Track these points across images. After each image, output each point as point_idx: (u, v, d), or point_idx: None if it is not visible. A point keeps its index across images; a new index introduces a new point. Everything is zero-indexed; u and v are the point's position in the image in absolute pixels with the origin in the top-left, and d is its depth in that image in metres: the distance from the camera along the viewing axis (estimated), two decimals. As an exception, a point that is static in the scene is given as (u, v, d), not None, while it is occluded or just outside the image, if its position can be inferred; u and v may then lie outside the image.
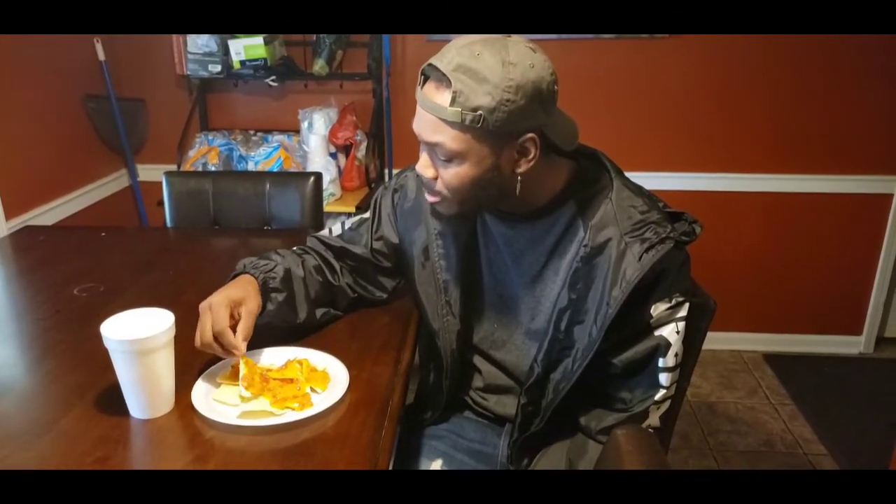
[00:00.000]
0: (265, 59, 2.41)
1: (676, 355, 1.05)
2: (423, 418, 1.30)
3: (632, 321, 1.03)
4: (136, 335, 0.96)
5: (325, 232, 1.32)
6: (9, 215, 2.06)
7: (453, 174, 1.01)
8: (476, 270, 1.19)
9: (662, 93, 2.54)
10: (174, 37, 2.52)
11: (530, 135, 0.98)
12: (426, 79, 0.99)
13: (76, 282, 1.45)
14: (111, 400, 1.02)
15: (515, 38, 0.98)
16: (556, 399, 1.10)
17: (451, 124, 0.96)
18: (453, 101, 0.94)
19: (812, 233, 2.67)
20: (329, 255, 1.28)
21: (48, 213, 2.25)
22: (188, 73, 2.50)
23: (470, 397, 1.28)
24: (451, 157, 0.99)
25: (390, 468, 0.98)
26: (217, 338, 1.05)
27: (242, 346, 1.07)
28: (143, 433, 0.99)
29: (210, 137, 2.59)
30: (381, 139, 2.60)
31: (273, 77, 2.46)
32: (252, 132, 2.65)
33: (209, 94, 2.70)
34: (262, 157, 2.50)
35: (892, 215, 2.61)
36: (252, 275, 1.16)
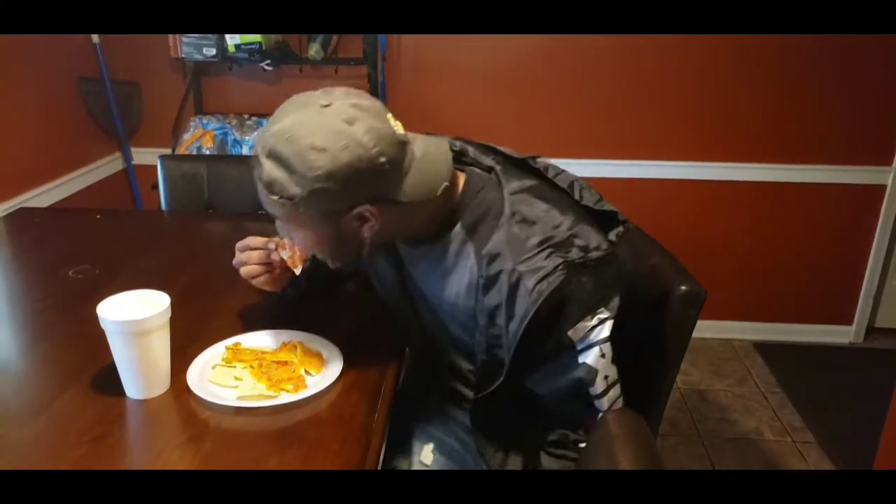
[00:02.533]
0: (260, 44, 2.40)
1: (606, 378, 0.99)
2: (415, 402, 1.31)
3: (549, 350, 0.99)
4: (133, 316, 0.97)
5: None
6: (3, 197, 2.06)
7: (300, 240, 1.05)
8: (411, 284, 1.18)
9: (655, 81, 2.54)
10: (169, 19, 2.51)
11: (360, 209, 0.96)
12: (253, 152, 0.98)
13: (71, 264, 1.46)
14: (107, 380, 1.03)
15: (335, 106, 0.92)
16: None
17: (277, 206, 0.96)
18: (269, 188, 0.94)
19: (804, 222, 2.68)
20: None
21: (42, 196, 2.24)
22: (183, 56, 2.49)
23: (448, 385, 1.30)
24: (293, 229, 1.02)
25: (383, 451, 1.00)
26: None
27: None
28: (139, 413, 1.00)
29: (205, 121, 2.58)
30: (376, 125, 2.59)
31: (268, 61, 2.45)
32: (247, 116, 2.64)
33: (204, 78, 2.68)
34: (257, 141, 2.49)
35: (885, 206, 2.62)
36: None
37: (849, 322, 2.82)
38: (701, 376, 2.62)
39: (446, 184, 1.00)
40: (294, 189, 0.92)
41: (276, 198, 0.94)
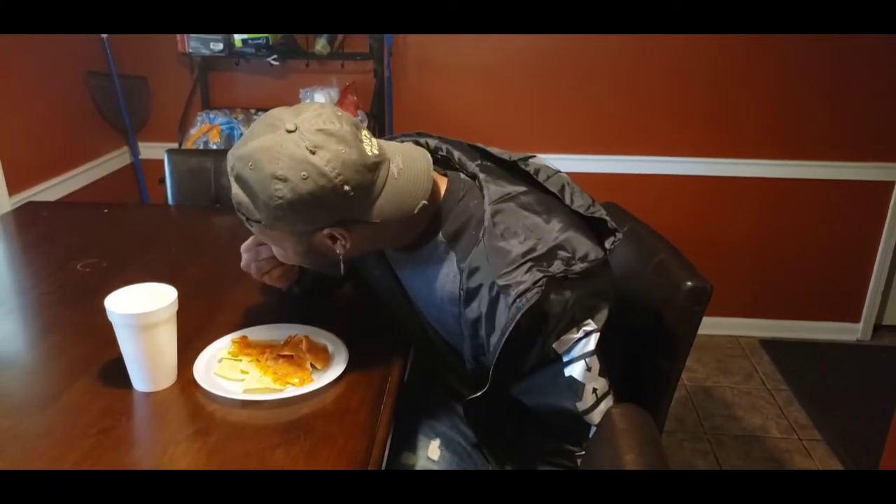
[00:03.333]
0: (267, 38, 2.41)
1: (595, 391, 0.97)
2: (421, 398, 1.32)
3: (533, 363, 0.97)
4: (140, 309, 0.97)
5: None
6: (12, 191, 2.07)
7: (278, 254, 1.06)
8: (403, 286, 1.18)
9: (661, 76, 2.54)
10: (176, 14, 2.52)
11: (329, 230, 0.95)
12: None
13: (79, 257, 1.46)
14: (115, 373, 1.04)
15: (300, 131, 0.90)
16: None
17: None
18: (238, 210, 0.96)
19: (811, 219, 2.67)
20: None
21: (51, 190, 2.25)
22: (190, 51, 2.49)
23: (448, 382, 1.30)
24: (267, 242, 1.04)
25: (388, 445, 1.00)
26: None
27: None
28: (145, 406, 1.00)
29: (212, 116, 2.58)
30: (381, 119, 2.60)
31: (275, 56, 2.45)
32: (253, 111, 2.65)
33: (211, 73, 2.69)
34: (264, 136, 2.50)
35: (893, 203, 2.61)
36: None
37: (856, 319, 2.81)
38: (707, 373, 2.61)
39: (424, 202, 0.97)
40: (257, 213, 0.94)
41: (244, 218, 0.97)
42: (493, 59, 2.56)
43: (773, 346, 2.77)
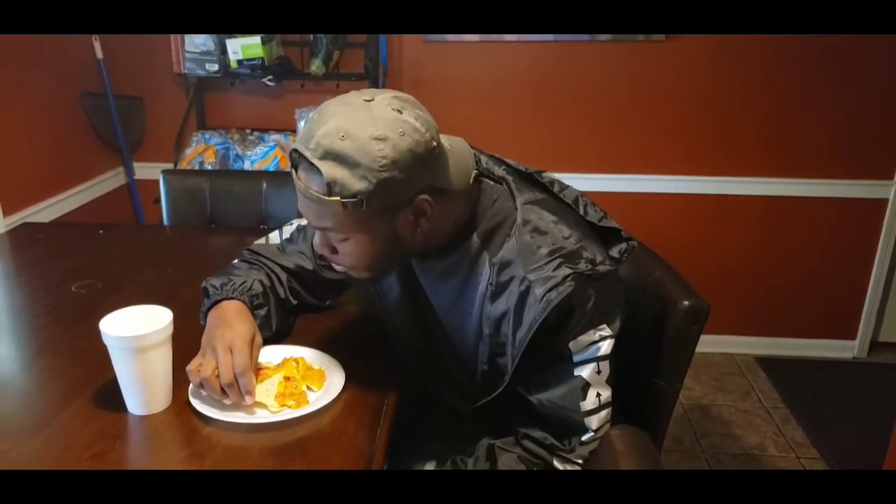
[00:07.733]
0: (262, 59, 2.41)
1: (599, 396, 1.00)
2: (416, 418, 1.31)
3: (547, 359, 1.00)
4: (135, 332, 0.96)
5: (262, 241, 1.29)
6: (6, 212, 2.06)
7: (350, 252, 1.00)
8: (419, 296, 1.18)
9: (656, 95, 2.55)
10: (172, 35, 2.53)
11: (421, 196, 0.96)
12: (298, 163, 0.95)
13: (74, 278, 1.46)
14: (109, 396, 1.03)
15: (378, 100, 0.93)
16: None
17: (334, 211, 0.94)
18: (330, 191, 0.91)
19: (806, 237, 2.68)
20: (276, 268, 1.25)
21: (45, 211, 2.25)
22: (185, 71, 2.50)
23: (447, 401, 1.29)
24: (345, 238, 0.99)
25: (385, 467, 0.99)
26: (237, 378, 1.01)
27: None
28: (140, 429, 0.99)
29: (207, 136, 2.59)
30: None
31: (270, 76, 2.46)
32: (248, 131, 2.65)
33: (206, 93, 2.70)
34: (259, 156, 2.51)
35: (887, 220, 2.62)
36: (240, 300, 1.15)
37: (852, 337, 2.81)
38: (704, 391, 2.61)
39: (475, 171, 1.03)
40: (359, 185, 0.91)
41: (336, 199, 0.92)
42: (489, 78, 2.57)
43: (769, 364, 2.77)
